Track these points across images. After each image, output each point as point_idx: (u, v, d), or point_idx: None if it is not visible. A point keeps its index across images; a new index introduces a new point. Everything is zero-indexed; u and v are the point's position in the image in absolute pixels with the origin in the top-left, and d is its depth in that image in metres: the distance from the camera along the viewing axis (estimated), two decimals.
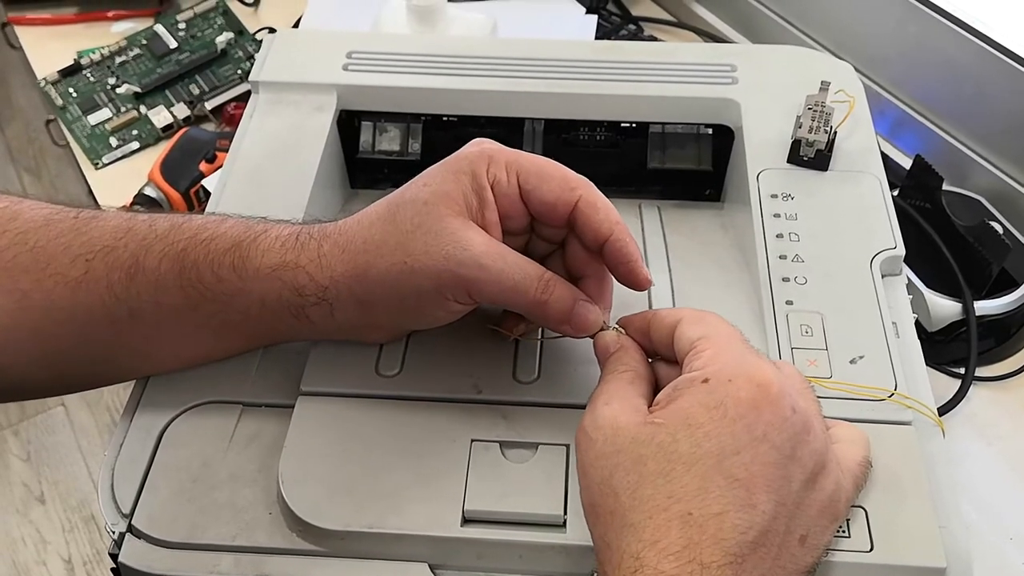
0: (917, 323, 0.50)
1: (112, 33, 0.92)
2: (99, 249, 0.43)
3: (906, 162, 0.70)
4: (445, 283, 0.41)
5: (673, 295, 0.50)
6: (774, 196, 0.53)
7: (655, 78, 0.59)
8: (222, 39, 0.87)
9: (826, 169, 0.54)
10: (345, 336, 0.45)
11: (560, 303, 0.41)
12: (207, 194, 0.74)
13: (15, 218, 0.44)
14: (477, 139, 0.44)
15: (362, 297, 0.42)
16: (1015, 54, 0.67)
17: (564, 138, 0.59)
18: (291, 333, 0.45)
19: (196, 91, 0.85)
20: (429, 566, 0.40)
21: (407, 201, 0.42)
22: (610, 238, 0.42)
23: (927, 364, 0.48)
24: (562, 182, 0.42)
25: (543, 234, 0.45)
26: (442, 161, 0.43)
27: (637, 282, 0.43)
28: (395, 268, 0.41)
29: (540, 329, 0.47)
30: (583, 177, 0.43)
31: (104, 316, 0.43)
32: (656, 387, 0.40)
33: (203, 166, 0.77)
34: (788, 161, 0.54)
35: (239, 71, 0.86)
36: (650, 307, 0.49)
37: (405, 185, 0.43)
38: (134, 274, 0.43)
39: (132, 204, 0.75)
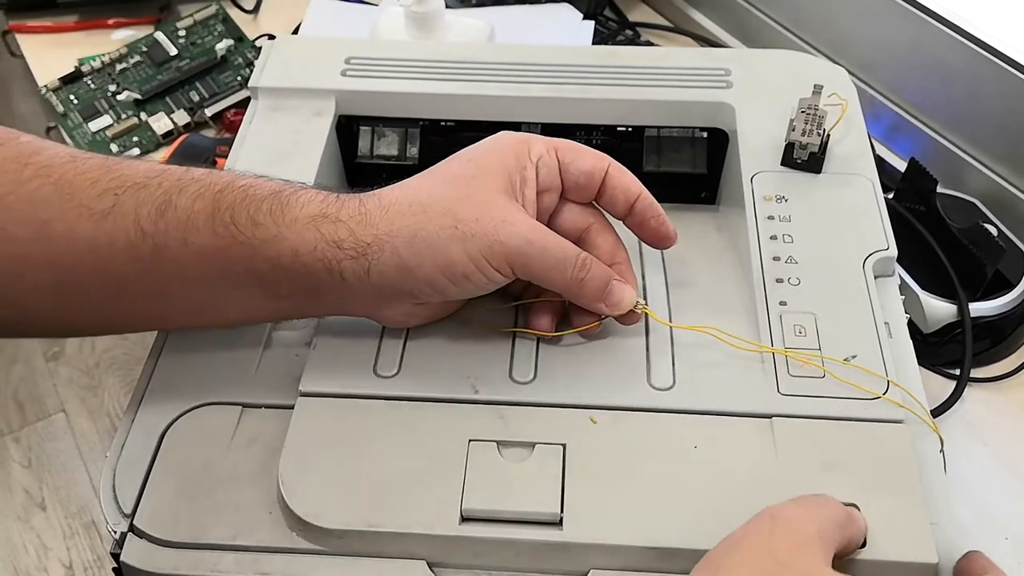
0: (912, 325, 0.50)
1: (112, 40, 0.93)
2: (130, 185, 0.42)
3: (901, 165, 0.70)
4: (494, 252, 0.42)
5: (668, 297, 0.50)
6: (768, 199, 0.53)
7: (651, 82, 0.59)
8: (222, 46, 0.88)
9: (819, 172, 0.55)
10: (368, 308, 0.45)
11: (596, 281, 0.44)
12: None
13: (38, 152, 0.42)
14: (504, 132, 0.47)
15: (407, 259, 0.42)
16: (1008, 57, 0.68)
17: None
18: (317, 295, 0.44)
19: (196, 98, 0.85)
20: (427, 564, 0.41)
21: (453, 174, 0.44)
22: (640, 195, 0.47)
23: (923, 365, 0.48)
24: (593, 153, 0.47)
25: (561, 229, 0.47)
26: (482, 143, 0.46)
27: (668, 235, 0.48)
28: (445, 232, 0.42)
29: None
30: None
31: (127, 249, 0.42)
32: None
33: None
34: (782, 164, 0.55)
35: (239, 77, 0.86)
36: None
37: (444, 161, 0.45)
38: (164, 210, 0.42)
39: None
